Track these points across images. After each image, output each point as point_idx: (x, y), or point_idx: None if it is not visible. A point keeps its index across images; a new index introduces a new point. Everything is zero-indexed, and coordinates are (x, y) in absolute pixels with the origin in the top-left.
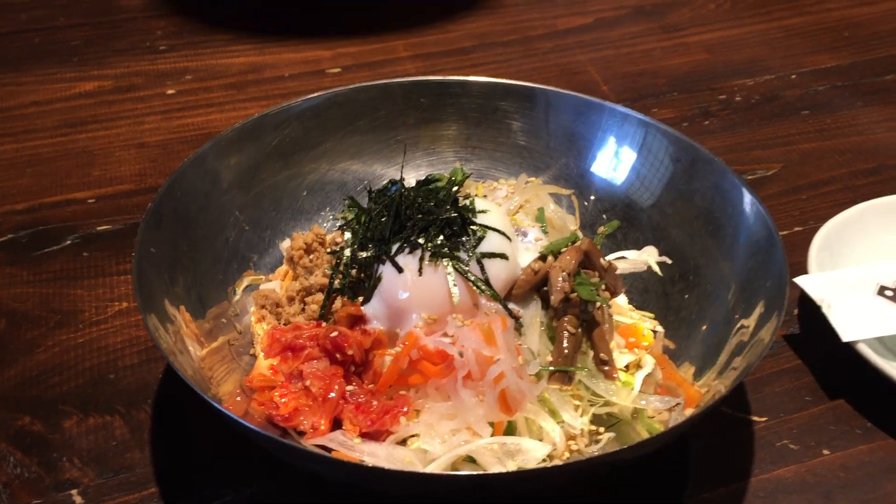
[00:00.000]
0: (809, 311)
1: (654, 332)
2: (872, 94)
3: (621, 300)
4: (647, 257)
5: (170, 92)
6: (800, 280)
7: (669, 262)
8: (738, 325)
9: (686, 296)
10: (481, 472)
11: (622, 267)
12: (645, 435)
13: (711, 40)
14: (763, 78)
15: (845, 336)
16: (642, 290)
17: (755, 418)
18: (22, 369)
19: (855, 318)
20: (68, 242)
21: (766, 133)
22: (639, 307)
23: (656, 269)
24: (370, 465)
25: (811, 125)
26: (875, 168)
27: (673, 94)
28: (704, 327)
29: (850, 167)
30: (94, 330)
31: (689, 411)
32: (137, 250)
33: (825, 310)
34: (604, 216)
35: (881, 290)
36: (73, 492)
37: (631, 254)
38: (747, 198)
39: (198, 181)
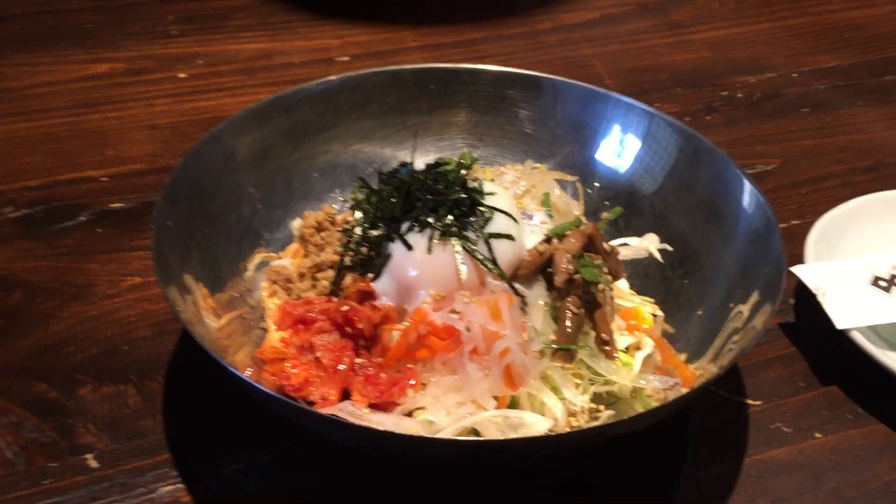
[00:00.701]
0: (805, 301)
1: (654, 315)
2: (872, 93)
3: (622, 284)
4: (648, 244)
5: (181, 76)
6: (796, 269)
7: (671, 249)
8: (735, 311)
9: (686, 281)
10: (484, 439)
11: (624, 253)
12: (641, 410)
13: (715, 38)
14: (765, 76)
15: (839, 324)
16: (643, 275)
17: (750, 402)
18: (37, 339)
19: (849, 306)
20: (82, 219)
21: (767, 129)
22: (640, 292)
23: (657, 255)
24: (378, 427)
25: (811, 122)
26: (873, 165)
27: (676, 89)
28: (700, 312)
29: (848, 164)
30: (107, 303)
31: (685, 391)
32: (156, 223)
33: (820, 298)
34: (607, 203)
35: (875, 281)
36: (88, 456)
37: (633, 241)
38: (747, 188)
39: (212, 159)
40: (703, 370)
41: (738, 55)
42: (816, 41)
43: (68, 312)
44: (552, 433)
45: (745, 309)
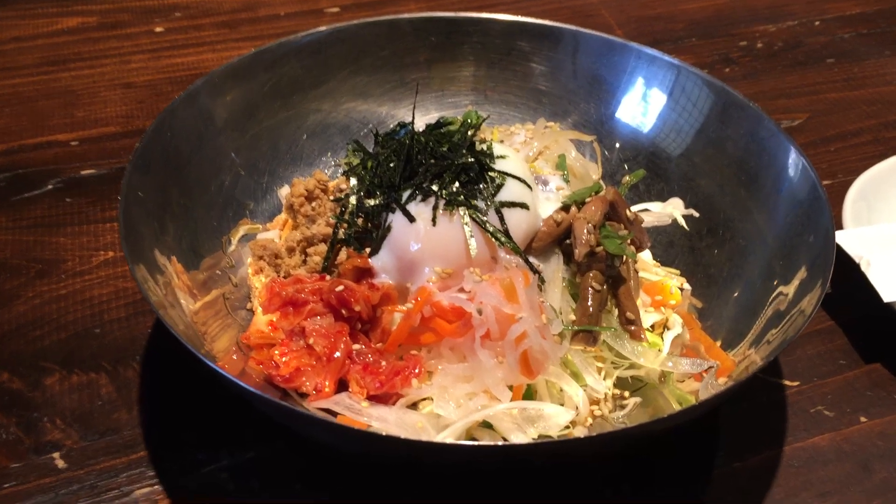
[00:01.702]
0: (844, 269)
1: (681, 289)
2: None
3: (646, 255)
4: (672, 209)
5: (158, 30)
6: (836, 236)
7: (696, 214)
8: (777, 290)
9: (715, 251)
10: (503, 444)
11: (646, 220)
12: (673, 400)
13: None
14: (785, 24)
15: (887, 296)
16: (667, 244)
17: (787, 382)
18: None
19: None
20: (50, 187)
21: (791, 82)
22: (664, 263)
23: (682, 222)
24: (382, 433)
25: (837, 74)
26: None
27: (691, 39)
28: (737, 293)
29: (878, 118)
30: (77, 281)
31: (722, 380)
32: (124, 194)
33: (864, 268)
34: (626, 166)
35: None
36: (55, 455)
37: (655, 206)
38: (786, 146)
39: (189, 121)
40: (742, 355)
41: (756, 1)
42: None
43: (34, 292)
44: (575, 437)
45: (788, 289)
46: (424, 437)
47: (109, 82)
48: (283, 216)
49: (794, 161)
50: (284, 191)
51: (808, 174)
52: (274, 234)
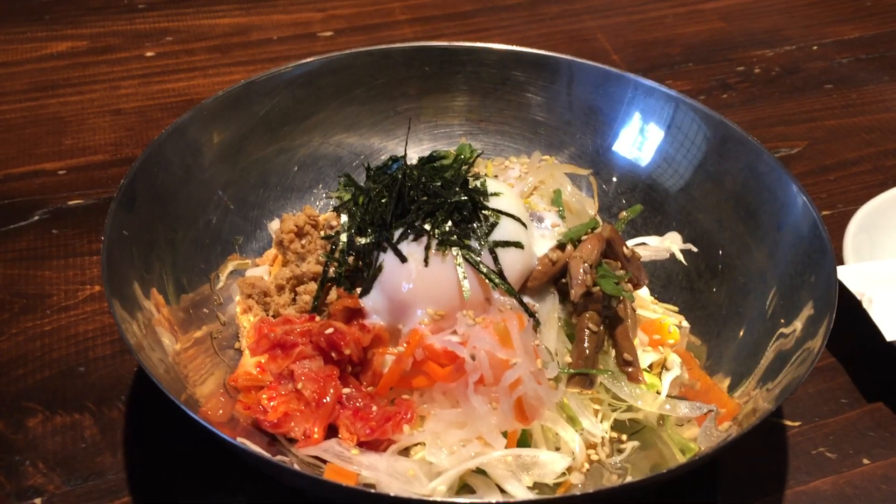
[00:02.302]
0: (845, 305)
1: (679, 327)
2: None
3: (643, 292)
4: (669, 244)
5: (149, 54)
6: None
7: (695, 249)
8: (779, 330)
9: (714, 288)
10: (496, 501)
11: (643, 255)
12: (673, 446)
13: (728, 7)
14: (783, 48)
15: (890, 335)
16: (665, 280)
17: (788, 422)
18: None
19: None
20: (36, 218)
21: (789, 108)
22: (661, 299)
23: (680, 256)
24: (369, 490)
25: (836, 100)
26: None
27: (688, 64)
28: (737, 332)
29: (878, 146)
30: (62, 316)
31: (725, 424)
32: (108, 233)
33: (866, 305)
34: (623, 199)
35: None
36: (37, 501)
37: (652, 240)
38: (786, 182)
39: (177, 155)
40: (747, 397)
41: (753, 26)
42: (836, 10)
43: (17, 328)
44: (570, 494)
45: (791, 329)
46: (416, 488)
47: (98, 109)
48: (272, 252)
49: (794, 198)
50: (275, 224)
51: (808, 212)
52: (263, 269)
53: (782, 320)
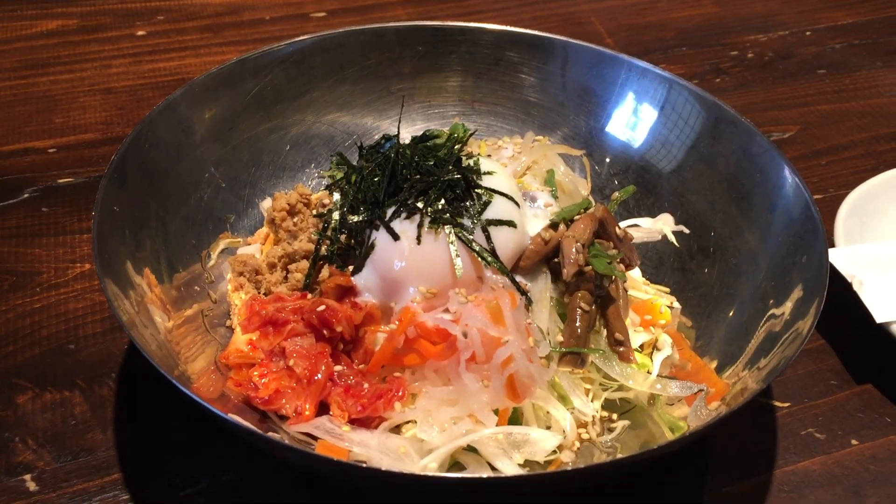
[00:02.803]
0: (836, 288)
1: (671, 307)
2: (891, 53)
3: (635, 273)
4: (662, 225)
5: (140, 33)
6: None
7: (687, 231)
8: (770, 311)
9: (706, 269)
10: (482, 477)
11: (635, 236)
12: (663, 425)
13: None
14: (777, 34)
15: (880, 317)
16: (657, 261)
17: (777, 404)
18: None
19: (889, 297)
20: (26, 196)
21: (782, 93)
22: (653, 281)
23: (672, 238)
24: (361, 464)
25: (828, 85)
26: None
27: (682, 48)
28: (728, 313)
29: (870, 131)
30: (52, 294)
31: (714, 404)
32: (98, 209)
33: (856, 287)
34: (616, 181)
35: None
36: (27, 477)
37: (644, 221)
38: (779, 164)
39: (168, 132)
40: (736, 377)
41: (747, 11)
42: None
43: (7, 305)
44: (560, 469)
45: (782, 310)
46: (407, 465)
47: (89, 87)
48: (264, 230)
49: (786, 180)
50: (266, 203)
51: (801, 193)
52: (255, 248)
53: (772, 301)
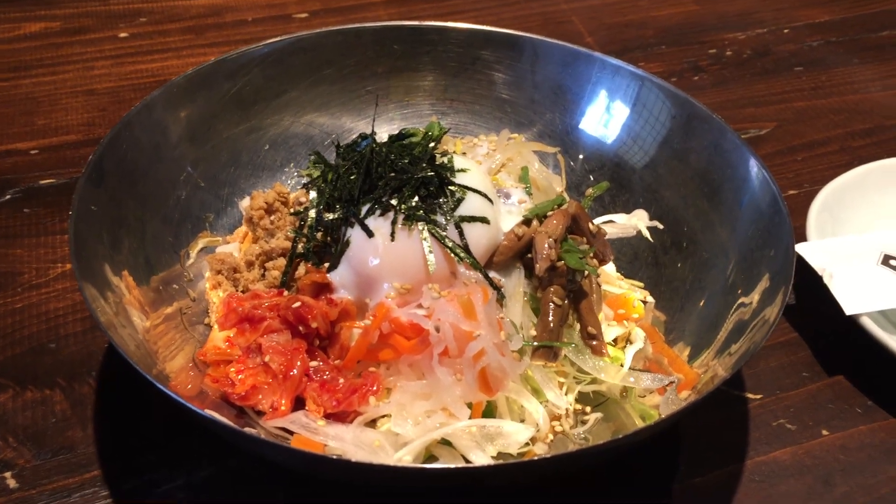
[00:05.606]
0: (807, 281)
1: (644, 302)
2: (867, 50)
3: (609, 268)
4: (636, 221)
5: (122, 35)
6: (799, 248)
7: (661, 226)
8: (738, 301)
9: (679, 264)
10: (460, 466)
11: (610, 232)
12: (635, 416)
13: None
14: (755, 31)
15: (849, 309)
16: (631, 257)
17: (749, 395)
18: None
19: (858, 289)
20: (7, 197)
21: (759, 90)
22: (627, 276)
23: (646, 234)
24: (335, 456)
25: (805, 82)
26: (872, 129)
27: (661, 46)
28: (699, 305)
29: (845, 127)
30: (33, 294)
31: (684, 393)
32: (75, 208)
33: (826, 280)
34: (591, 177)
35: (886, 260)
36: (7, 474)
37: (619, 217)
38: (748, 159)
39: (146, 132)
40: (706, 366)
41: (726, 9)
42: None
43: None
44: (531, 459)
45: (750, 300)
46: (380, 458)
47: (71, 89)
48: (242, 229)
49: (755, 174)
50: (246, 202)
51: (769, 187)
52: (234, 246)
53: (741, 291)
